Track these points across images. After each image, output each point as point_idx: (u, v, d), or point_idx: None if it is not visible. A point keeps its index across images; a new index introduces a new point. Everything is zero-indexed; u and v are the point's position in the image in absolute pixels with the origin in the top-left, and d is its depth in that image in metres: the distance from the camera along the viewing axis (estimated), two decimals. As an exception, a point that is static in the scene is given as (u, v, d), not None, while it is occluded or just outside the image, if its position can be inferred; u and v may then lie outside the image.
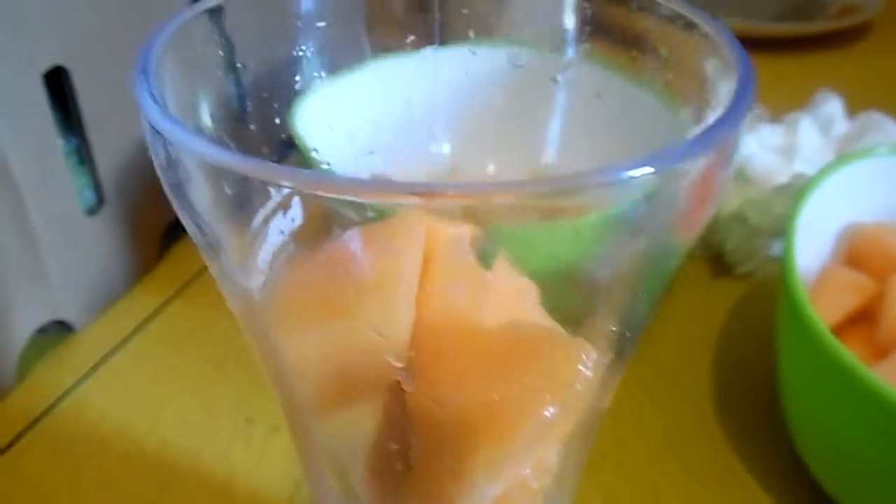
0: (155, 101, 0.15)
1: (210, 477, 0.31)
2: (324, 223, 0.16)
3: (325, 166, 0.27)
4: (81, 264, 0.37)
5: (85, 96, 0.34)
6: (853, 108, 0.45)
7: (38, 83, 0.32)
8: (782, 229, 0.40)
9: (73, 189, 0.35)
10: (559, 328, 0.17)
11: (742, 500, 0.31)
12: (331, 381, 0.17)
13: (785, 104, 0.45)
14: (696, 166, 0.15)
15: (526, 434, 0.16)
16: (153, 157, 0.16)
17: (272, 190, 0.15)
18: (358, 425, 0.18)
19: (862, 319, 0.34)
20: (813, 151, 0.41)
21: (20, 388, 0.35)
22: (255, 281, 0.18)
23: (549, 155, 0.28)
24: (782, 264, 0.31)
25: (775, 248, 0.41)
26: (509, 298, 0.18)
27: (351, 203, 0.14)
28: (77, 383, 0.35)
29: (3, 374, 0.34)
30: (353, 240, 0.17)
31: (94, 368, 0.36)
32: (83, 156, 0.36)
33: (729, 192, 0.40)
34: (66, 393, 0.35)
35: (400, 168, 0.35)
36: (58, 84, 0.34)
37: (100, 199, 0.37)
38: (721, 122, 0.15)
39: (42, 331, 0.36)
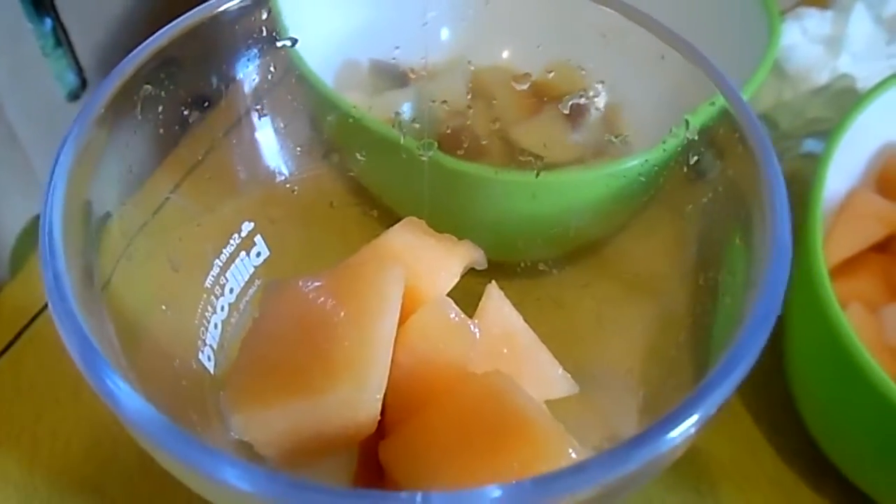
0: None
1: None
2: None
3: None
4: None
5: (53, -26, 0.31)
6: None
7: (-1, -34, 0.29)
8: (814, 132, 0.37)
9: (50, 75, 0.33)
10: (548, 416, 0.16)
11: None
12: (294, 451, 0.16)
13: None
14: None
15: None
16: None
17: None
18: (329, 476, 0.17)
19: (885, 249, 0.32)
20: (861, 41, 0.37)
21: (14, 284, 0.34)
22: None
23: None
24: (807, 206, 0.29)
25: (806, 146, 0.38)
26: (497, 347, 0.17)
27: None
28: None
29: (-3, 270, 0.34)
30: (321, 299, 0.15)
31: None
32: (59, 38, 0.33)
33: (765, 88, 0.37)
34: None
35: (402, 54, 0.32)
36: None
37: (82, 83, 0.34)
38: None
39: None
